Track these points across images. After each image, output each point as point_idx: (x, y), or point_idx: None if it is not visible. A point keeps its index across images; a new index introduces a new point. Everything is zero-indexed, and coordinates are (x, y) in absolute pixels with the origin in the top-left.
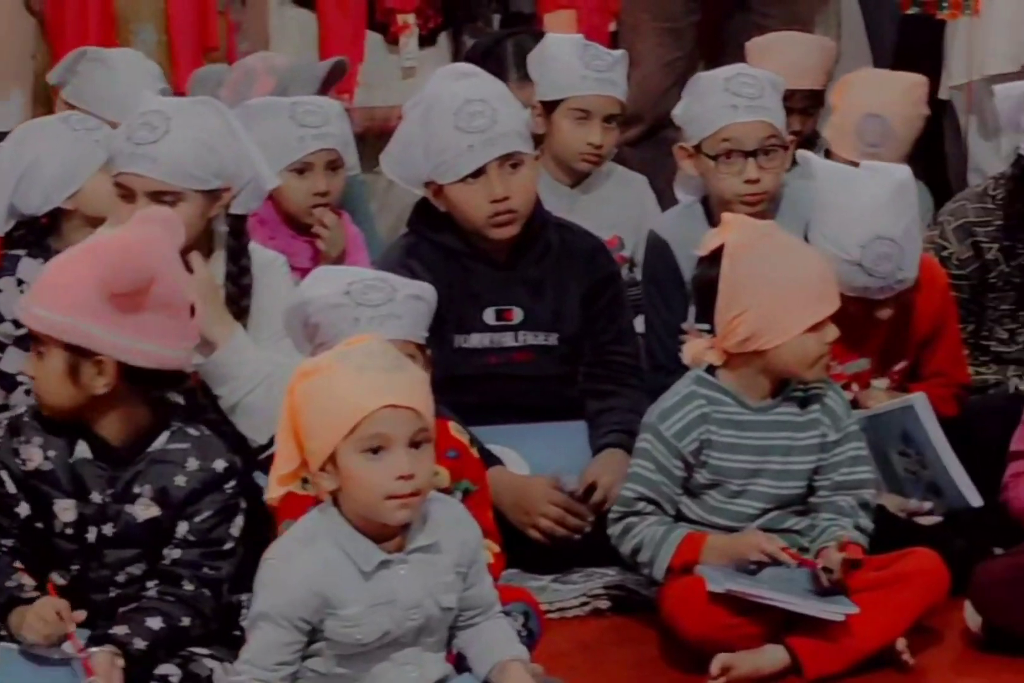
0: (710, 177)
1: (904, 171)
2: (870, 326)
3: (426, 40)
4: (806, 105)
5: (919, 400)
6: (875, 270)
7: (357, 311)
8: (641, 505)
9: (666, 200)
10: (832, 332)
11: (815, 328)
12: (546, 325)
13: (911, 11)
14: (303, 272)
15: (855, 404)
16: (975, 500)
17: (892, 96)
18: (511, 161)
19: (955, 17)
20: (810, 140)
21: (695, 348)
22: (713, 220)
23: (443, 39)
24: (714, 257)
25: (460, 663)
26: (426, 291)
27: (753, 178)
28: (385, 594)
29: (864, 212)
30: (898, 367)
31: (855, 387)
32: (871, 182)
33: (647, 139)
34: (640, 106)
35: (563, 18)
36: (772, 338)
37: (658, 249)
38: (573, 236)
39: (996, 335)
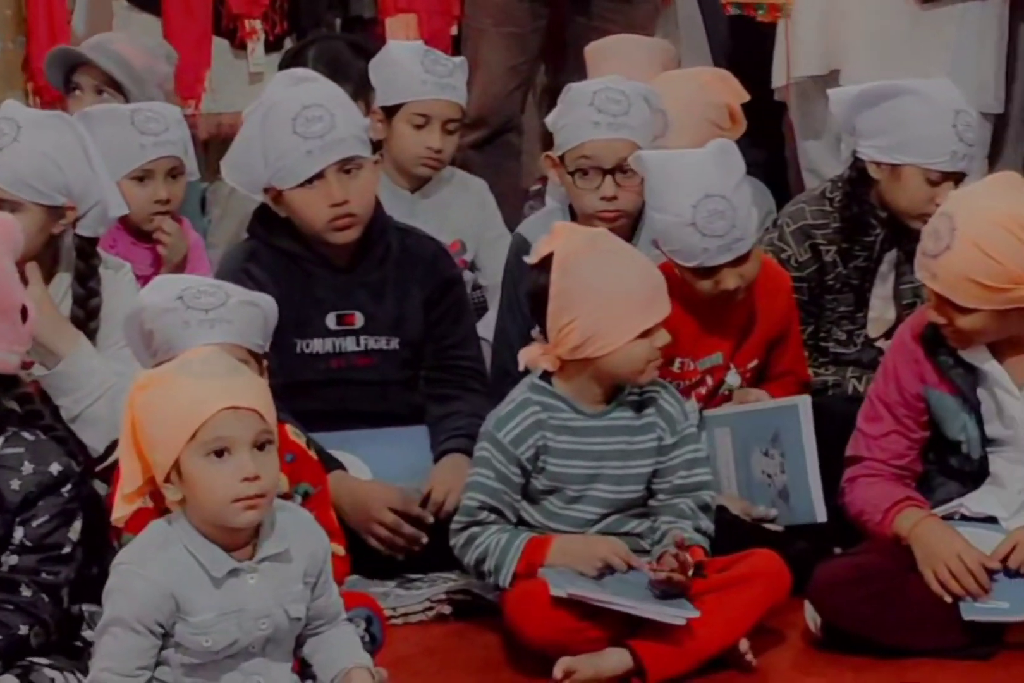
0: (570, 189)
1: (727, 140)
2: (724, 316)
3: (273, 46)
4: None
5: (804, 403)
6: (710, 228)
7: (187, 314)
8: (483, 514)
9: (507, 204)
10: (663, 337)
11: (645, 334)
12: (388, 329)
13: (732, 12)
14: (144, 279)
15: (725, 399)
16: (821, 515)
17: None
18: (350, 166)
19: (774, 19)
20: None
21: (530, 354)
22: None
23: (290, 45)
24: (545, 265)
25: (304, 671)
26: (263, 300)
27: (609, 195)
28: (234, 603)
29: (690, 174)
30: (750, 365)
31: (709, 381)
32: (691, 151)
33: (490, 143)
34: (484, 110)
35: (404, 22)
36: (603, 346)
37: (522, 252)
38: (414, 240)
39: (835, 336)
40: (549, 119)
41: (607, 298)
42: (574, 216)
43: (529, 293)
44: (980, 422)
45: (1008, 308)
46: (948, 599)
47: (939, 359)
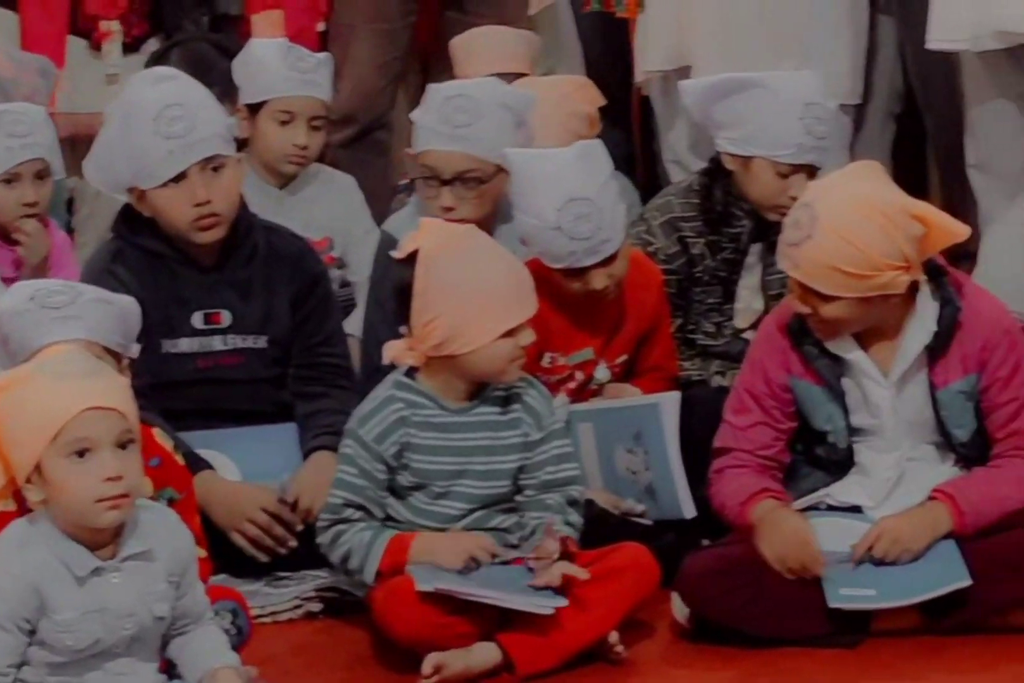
0: (419, 192)
1: (595, 140)
2: (594, 312)
3: (131, 47)
4: None
5: (667, 401)
6: (576, 231)
7: (40, 314)
8: (349, 512)
9: (378, 201)
10: (527, 336)
11: (509, 333)
12: (255, 328)
13: (592, 9)
14: (9, 281)
15: (595, 394)
16: (689, 511)
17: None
18: (213, 164)
19: (633, 15)
20: None
21: (395, 350)
22: None
23: (155, 46)
24: (410, 261)
25: (171, 671)
26: (119, 299)
27: (447, 206)
28: (98, 601)
29: (554, 177)
30: (619, 360)
31: (579, 376)
32: (556, 151)
33: (359, 141)
34: (353, 107)
35: (270, 19)
36: (465, 343)
37: (389, 248)
38: (280, 239)
39: (703, 329)
40: (413, 116)
41: (470, 296)
42: None
43: (394, 289)
44: (846, 412)
45: (871, 295)
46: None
47: (804, 349)
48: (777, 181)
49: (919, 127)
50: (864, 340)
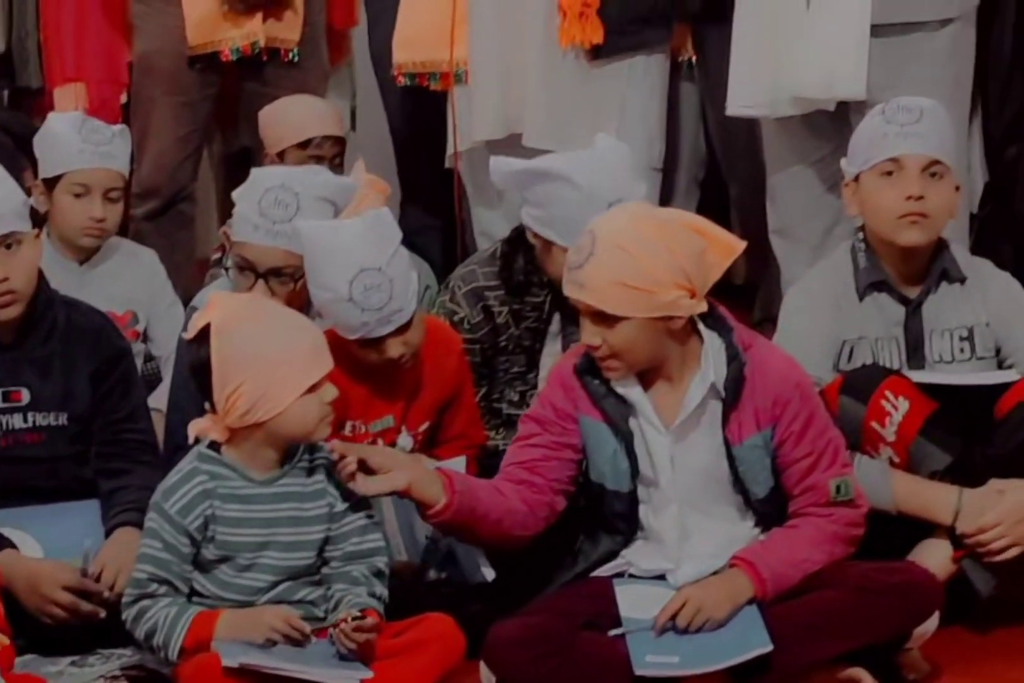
0: (234, 277)
1: (384, 209)
2: (392, 380)
3: None
4: (335, 152)
5: (455, 466)
6: (367, 303)
7: None
8: (153, 587)
9: (182, 274)
10: (330, 391)
11: (312, 390)
12: (56, 405)
13: (404, 83)
14: None
15: None
16: (489, 574)
17: None
18: (8, 241)
19: (447, 88)
20: None
21: (199, 426)
22: None
23: None
24: (203, 337)
25: None
26: None
27: None
28: None
29: (344, 248)
30: (422, 427)
31: (381, 444)
32: (349, 222)
33: (163, 214)
34: (155, 181)
35: (72, 92)
36: (272, 408)
37: None
38: (80, 314)
39: (508, 397)
40: (235, 195)
41: (268, 360)
42: None
43: (192, 367)
44: (630, 454)
45: (656, 316)
46: None
47: (592, 388)
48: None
49: (722, 193)
50: (649, 385)
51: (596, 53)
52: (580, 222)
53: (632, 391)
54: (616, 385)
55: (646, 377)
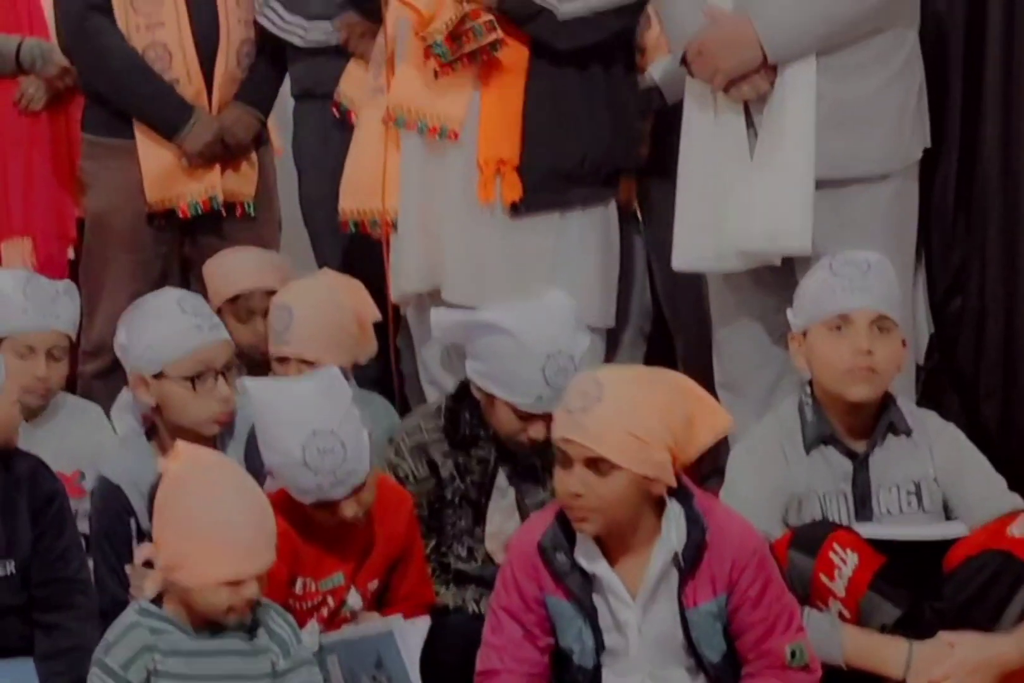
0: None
1: (333, 369)
2: (344, 538)
3: None
4: (267, 306)
5: (398, 624)
6: (320, 466)
7: None
8: None
9: None
10: (252, 590)
11: (234, 583)
12: (2, 553)
13: (349, 230)
14: None
15: (348, 621)
16: None
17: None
18: None
19: (387, 235)
20: None
21: (144, 551)
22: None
23: None
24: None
25: None
26: None
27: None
28: None
29: (297, 411)
30: (371, 586)
31: (331, 601)
32: (299, 383)
33: (113, 371)
34: (107, 338)
35: (19, 247)
36: (186, 578)
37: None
38: (13, 460)
39: (456, 552)
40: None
41: (201, 534)
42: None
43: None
44: (596, 631)
45: (647, 475)
46: None
47: (556, 564)
48: (516, 421)
49: (669, 346)
50: (612, 556)
51: (515, 210)
52: (521, 376)
53: (598, 566)
54: (580, 559)
55: (608, 547)
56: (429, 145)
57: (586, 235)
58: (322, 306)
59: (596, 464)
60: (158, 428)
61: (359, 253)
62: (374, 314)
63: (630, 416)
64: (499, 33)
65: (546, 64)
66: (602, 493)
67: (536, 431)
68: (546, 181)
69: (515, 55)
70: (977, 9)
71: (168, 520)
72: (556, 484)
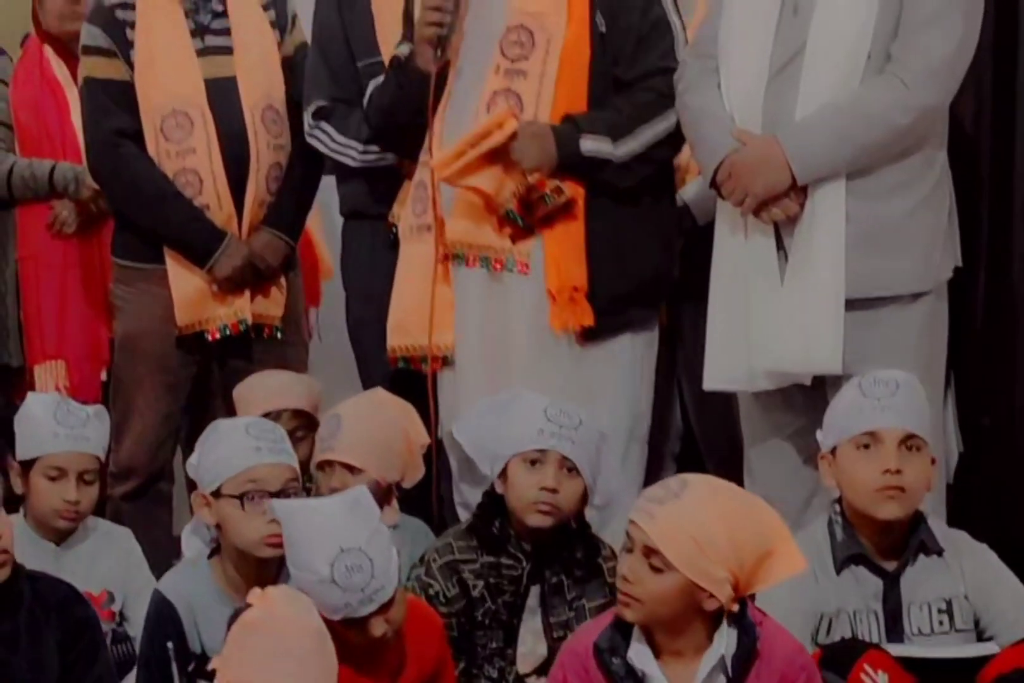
0: (231, 521)
1: (362, 488)
2: (375, 658)
3: None
4: (294, 426)
5: None
6: (349, 584)
7: None
8: None
9: (160, 552)
10: None
11: None
12: (25, 679)
13: (399, 365)
14: None
15: None
16: None
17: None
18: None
19: (435, 370)
20: None
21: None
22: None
23: None
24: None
25: None
26: None
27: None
28: None
29: (324, 529)
30: None
31: None
32: (326, 501)
33: (143, 494)
34: (136, 460)
35: (53, 370)
36: None
37: (161, 608)
38: (44, 586)
39: (487, 674)
40: (192, 460)
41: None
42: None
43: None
44: None
45: (698, 584)
46: None
47: (609, 666)
48: (528, 475)
49: (700, 468)
50: (663, 659)
51: (587, 335)
52: (517, 423)
53: (649, 666)
54: (632, 658)
55: (660, 650)
56: (490, 279)
57: (637, 357)
58: (372, 416)
59: (653, 556)
60: (220, 549)
61: (406, 382)
62: (423, 437)
63: (698, 522)
64: (568, 194)
65: (603, 199)
66: (651, 587)
67: (544, 479)
68: (612, 306)
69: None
70: (1005, 125)
71: (235, 656)
72: (617, 565)
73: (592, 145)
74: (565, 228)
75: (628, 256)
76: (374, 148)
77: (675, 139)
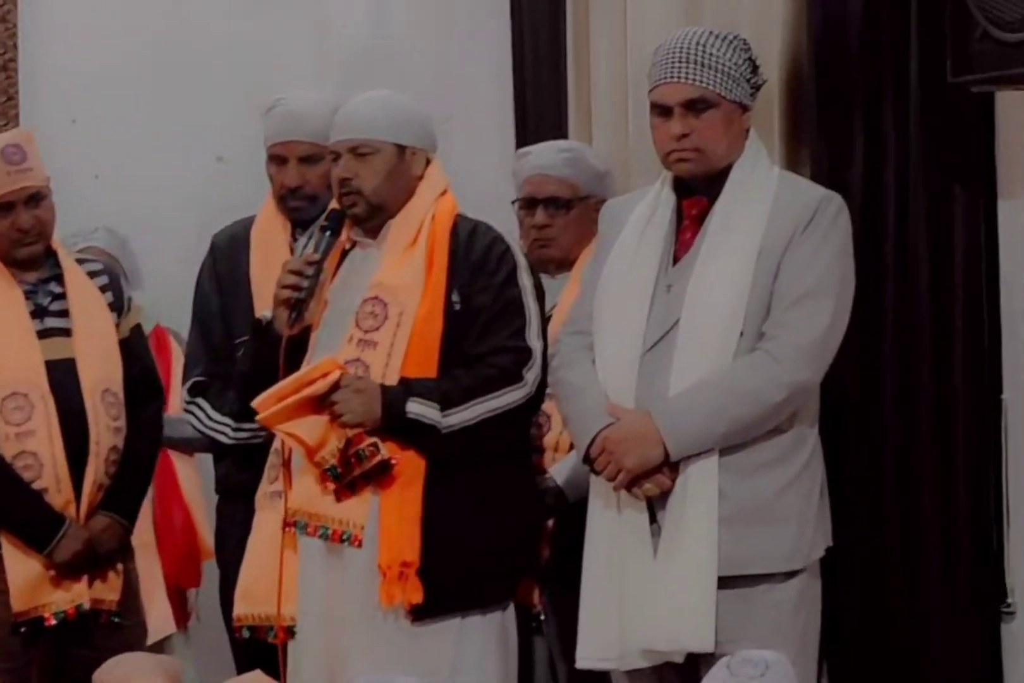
0: None
1: None
2: None
3: None
4: None
5: None
6: None
7: None
8: None
9: None
10: None
11: None
12: None
13: (244, 636)
14: None
15: None
16: None
17: None
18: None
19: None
20: None
21: None
22: None
23: None
24: None
25: None
26: None
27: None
28: None
29: None
30: None
31: None
32: None
33: None
34: None
35: None
36: None
37: None
38: None
39: None
40: None
41: None
42: None
43: None
44: None
45: None
46: None
47: None
48: None
49: None
50: None
51: (417, 614)
52: None
53: None
54: None
55: None
56: (329, 550)
57: (487, 640)
58: None
59: None
60: None
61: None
62: None
63: None
64: (384, 454)
65: (447, 469)
66: None
67: None
68: (447, 584)
69: (411, 463)
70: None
71: None
72: None
73: (418, 409)
74: (401, 497)
75: (471, 530)
76: (248, 425)
77: (517, 417)
